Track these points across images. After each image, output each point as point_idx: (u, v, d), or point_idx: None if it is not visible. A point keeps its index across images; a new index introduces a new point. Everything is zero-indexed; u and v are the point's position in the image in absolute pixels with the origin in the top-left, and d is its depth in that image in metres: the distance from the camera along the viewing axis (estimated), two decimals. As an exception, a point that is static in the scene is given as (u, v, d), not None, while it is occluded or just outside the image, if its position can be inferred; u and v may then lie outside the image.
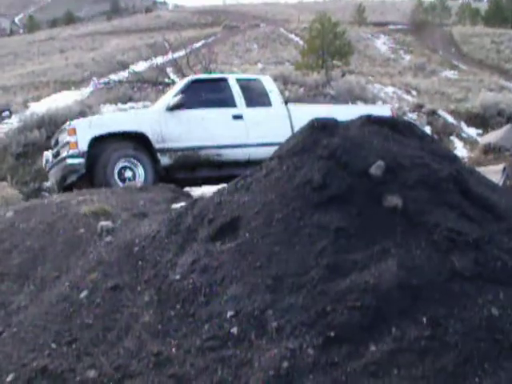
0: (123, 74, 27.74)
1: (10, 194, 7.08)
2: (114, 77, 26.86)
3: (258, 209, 3.92)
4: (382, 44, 44.43)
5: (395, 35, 47.82)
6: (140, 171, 7.59)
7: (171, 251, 4.01)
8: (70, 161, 7.41)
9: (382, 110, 9.83)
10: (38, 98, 24.31)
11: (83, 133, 7.51)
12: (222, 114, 8.38)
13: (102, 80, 25.40)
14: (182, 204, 5.28)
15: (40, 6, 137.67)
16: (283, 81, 18.50)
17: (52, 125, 15.35)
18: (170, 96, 8.54)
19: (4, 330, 3.75)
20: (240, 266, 3.55)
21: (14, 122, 18.45)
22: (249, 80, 9.25)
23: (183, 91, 8.37)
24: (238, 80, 8.89)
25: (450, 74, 34.31)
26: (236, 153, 8.20)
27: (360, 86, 19.01)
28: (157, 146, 7.83)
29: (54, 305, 3.76)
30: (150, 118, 8.07)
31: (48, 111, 16.23)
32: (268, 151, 8.63)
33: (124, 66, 29.56)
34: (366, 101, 18.78)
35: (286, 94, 16.57)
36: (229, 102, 8.51)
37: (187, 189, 9.43)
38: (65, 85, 27.87)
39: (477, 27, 51.74)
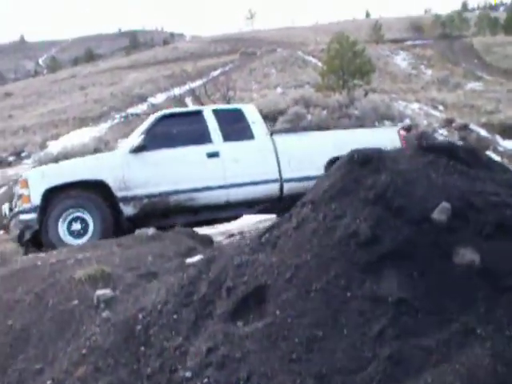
0: (141, 107, 27.40)
1: (8, 249, 6.28)
2: (131, 110, 26.49)
3: (289, 274, 3.02)
4: (402, 60, 43.57)
5: (414, 50, 46.92)
6: (91, 224, 6.63)
7: (181, 333, 3.13)
8: (22, 216, 6.65)
9: (387, 133, 8.51)
10: (56, 137, 23.99)
11: (36, 185, 6.69)
12: (195, 152, 7.26)
13: (119, 115, 24.99)
14: (199, 258, 4.43)
15: (61, 47, 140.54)
16: (305, 104, 17.72)
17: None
18: (137, 135, 7.51)
19: None
20: (270, 358, 2.65)
21: (29, 162, 18.02)
22: (228, 111, 8.08)
23: (150, 129, 7.34)
24: (216, 111, 7.72)
25: (475, 85, 33.24)
26: (212, 195, 7.14)
27: (385, 105, 18.11)
28: (119, 194, 6.84)
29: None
30: (112, 162, 7.09)
31: (63, 150, 15.70)
32: (251, 191, 7.37)
33: (142, 98, 29.26)
34: (392, 119, 17.88)
35: (309, 117, 15.75)
36: (203, 138, 7.38)
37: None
38: (83, 121, 27.58)
39: (498, 36, 50.63)
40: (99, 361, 3.11)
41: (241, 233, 9.05)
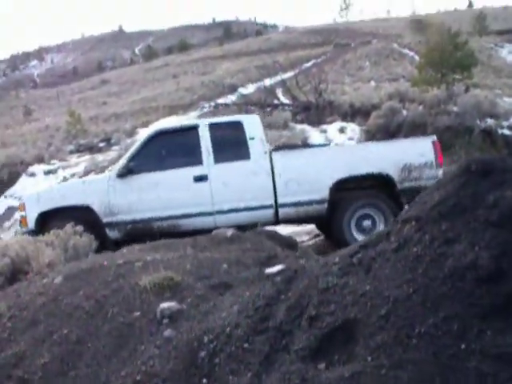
0: (231, 97, 27.26)
1: (82, 243, 6.06)
2: (221, 100, 26.40)
3: (385, 310, 2.45)
4: (508, 53, 40.78)
5: (522, 43, 43.83)
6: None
7: (251, 368, 2.64)
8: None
9: (417, 146, 7.11)
10: (146, 124, 24.29)
11: (31, 209, 7.03)
12: (182, 175, 6.84)
13: (209, 104, 24.93)
14: (279, 268, 3.93)
15: (157, 36, 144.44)
16: (400, 98, 16.71)
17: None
18: (125, 158, 7.23)
19: None
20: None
21: (117, 148, 18.26)
22: (226, 124, 7.27)
23: (140, 151, 7.03)
24: (212, 126, 7.06)
25: None
26: (198, 222, 6.75)
27: (489, 101, 16.72)
28: (104, 219, 6.83)
29: None
30: (99, 187, 6.96)
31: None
32: (241, 217, 6.74)
33: (233, 88, 29.15)
34: (497, 117, 16.49)
35: (404, 112, 14.81)
36: (193, 159, 6.89)
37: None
38: (173, 109, 27.81)
39: None
40: (155, 392, 2.69)
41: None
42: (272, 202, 6.83)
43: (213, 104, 23.91)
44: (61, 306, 3.81)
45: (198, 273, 4.08)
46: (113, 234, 6.81)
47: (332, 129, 16.11)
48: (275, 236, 5.95)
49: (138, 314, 3.48)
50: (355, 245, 3.22)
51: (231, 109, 21.53)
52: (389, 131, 14.25)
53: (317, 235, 8.49)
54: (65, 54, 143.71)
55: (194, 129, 7.05)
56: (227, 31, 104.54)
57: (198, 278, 3.96)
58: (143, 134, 17.22)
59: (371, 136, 14.78)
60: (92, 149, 20.23)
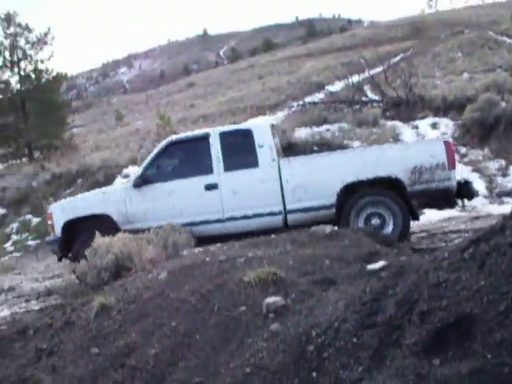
0: (318, 96, 27.13)
1: (181, 240, 6.25)
2: (309, 99, 26.34)
3: (505, 305, 2.36)
4: None
5: None
6: None
7: (361, 362, 2.63)
8: (48, 246, 7.85)
9: (427, 148, 6.93)
10: (234, 124, 24.64)
11: (58, 217, 7.52)
12: (193, 184, 7.14)
13: (296, 103, 24.93)
14: (382, 264, 3.88)
15: (241, 38, 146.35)
16: (497, 90, 15.93)
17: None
18: (141, 168, 7.55)
19: None
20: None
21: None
22: (236, 132, 7.45)
23: (153, 161, 7.41)
24: (222, 135, 7.25)
25: None
26: (209, 229, 7.04)
27: None
28: (123, 227, 7.18)
29: None
30: (117, 197, 7.43)
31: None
32: (251, 224, 6.95)
33: (320, 86, 29.01)
34: None
35: (503, 104, 14.12)
36: (204, 168, 7.16)
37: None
38: (260, 110, 28.04)
39: None
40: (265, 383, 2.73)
41: (422, 231, 8.28)
42: (281, 208, 6.97)
43: (300, 103, 23.87)
44: (167, 300, 3.96)
45: (301, 269, 4.10)
46: None
47: (424, 124, 15.65)
48: (373, 233, 5.89)
49: (244, 308, 3.55)
50: (464, 240, 3.12)
51: (319, 107, 21.43)
52: (486, 125, 13.63)
53: (412, 233, 8.30)
54: (152, 59, 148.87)
55: (205, 138, 7.26)
56: (311, 29, 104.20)
57: (300, 274, 3.99)
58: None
59: (466, 131, 14.22)
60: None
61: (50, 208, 7.81)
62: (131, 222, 7.23)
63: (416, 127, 15.65)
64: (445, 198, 6.92)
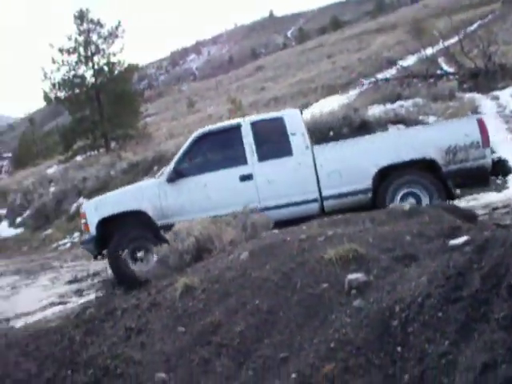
0: (390, 72, 26.51)
1: (260, 221, 6.32)
2: (381, 75, 25.78)
3: None
4: None
5: None
6: (153, 251, 6.81)
7: (448, 336, 2.59)
8: (83, 245, 7.67)
9: (460, 127, 6.88)
10: (306, 105, 24.51)
11: (91, 216, 7.37)
12: (228, 176, 7.12)
13: (367, 80, 24.47)
14: (464, 239, 3.78)
15: (307, 18, 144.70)
16: None
17: (317, 132, 14.89)
18: (173, 162, 7.48)
19: None
20: None
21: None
22: (268, 121, 7.41)
23: (185, 155, 7.35)
24: (254, 124, 7.24)
25: None
26: None
27: None
28: (158, 222, 7.15)
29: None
30: (151, 192, 7.32)
31: (312, 118, 15.79)
32: (287, 212, 6.87)
33: (391, 62, 28.33)
34: None
35: None
36: (238, 159, 7.14)
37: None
38: (332, 89, 27.73)
39: None
40: (349, 359, 2.74)
41: (506, 206, 7.99)
42: (316, 195, 6.94)
43: (372, 80, 23.41)
44: (250, 280, 4.03)
45: (381, 245, 4.07)
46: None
47: (505, 95, 14.98)
48: (454, 209, 5.73)
49: (326, 285, 3.57)
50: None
51: (391, 83, 20.94)
52: None
53: (495, 208, 8.01)
54: (220, 45, 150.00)
55: (236, 128, 7.24)
56: (379, 3, 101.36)
57: (381, 251, 3.95)
58: (304, 115, 17.36)
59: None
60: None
61: (83, 207, 7.75)
62: (167, 216, 7.20)
63: (496, 98, 15.01)
64: (480, 176, 6.86)
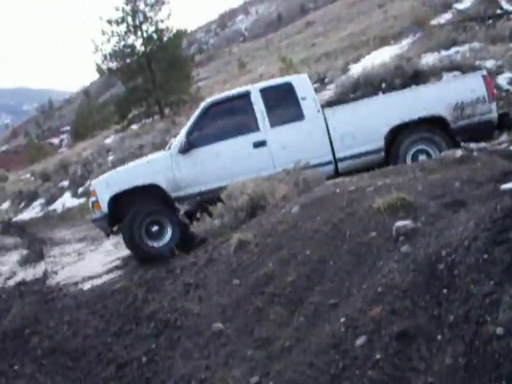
0: (445, 16, 25.49)
1: (311, 177, 6.38)
2: (435, 21, 24.84)
3: None
4: None
5: None
6: (168, 226, 7.08)
7: (493, 277, 2.61)
8: (96, 223, 7.46)
9: (466, 83, 7.05)
10: (357, 59, 24.01)
11: (102, 193, 7.20)
12: (241, 143, 7.13)
13: (421, 28, 23.62)
14: (518, 183, 3.74)
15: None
16: None
17: (368, 86, 14.65)
18: (183, 133, 7.36)
19: (260, 380, 2.96)
20: None
21: (332, 87, 18.41)
22: (277, 87, 7.42)
23: (195, 125, 7.26)
24: (263, 91, 7.26)
25: None
26: None
27: None
28: (173, 195, 7.11)
29: (322, 352, 2.79)
30: (163, 164, 7.21)
31: (363, 72, 15.50)
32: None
33: (446, 6, 27.20)
34: None
35: None
36: (250, 126, 7.16)
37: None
38: (384, 40, 26.94)
39: None
40: (396, 302, 2.81)
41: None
42: (330, 158, 7.06)
43: (425, 27, 22.58)
44: (301, 231, 4.14)
45: (430, 193, 4.07)
46: (183, 207, 7.11)
47: None
48: (508, 154, 5.62)
49: (374, 233, 3.63)
50: None
51: (446, 29, 20.15)
52: None
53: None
54: (268, 3, 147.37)
55: (245, 96, 7.24)
56: None
57: (430, 198, 3.96)
58: (355, 69, 16.91)
59: None
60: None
61: (93, 184, 7.55)
62: (181, 188, 7.17)
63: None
64: (487, 130, 7.02)
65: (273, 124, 7.17)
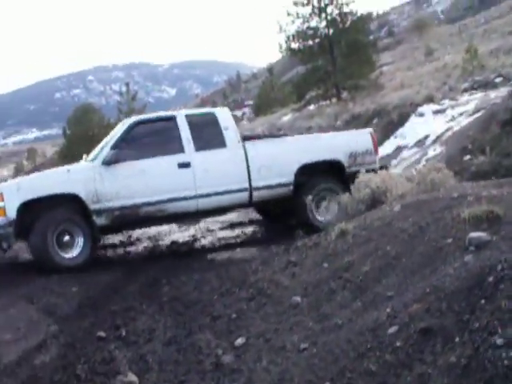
0: None
1: (438, 178, 6.54)
2: None
3: None
4: None
5: None
6: (79, 237, 6.78)
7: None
8: None
9: (358, 137, 8.49)
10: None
11: (11, 198, 6.57)
12: (166, 163, 7.24)
13: None
14: None
15: None
16: None
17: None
18: (108, 146, 7.10)
19: (308, 346, 3.48)
20: None
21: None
22: (201, 115, 7.93)
23: (122, 139, 7.12)
24: (189, 117, 7.57)
25: None
26: (182, 205, 7.26)
27: None
28: (92, 207, 6.84)
29: (360, 333, 3.23)
30: (85, 175, 6.96)
31: None
32: (220, 200, 7.39)
33: None
34: None
35: None
36: (176, 147, 7.32)
37: None
38: None
39: None
40: (435, 302, 3.13)
41: None
42: (247, 185, 7.53)
43: None
44: (391, 229, 4.52)
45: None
46: (100, 220, 6.92)
47: None
48: None
49: (450, 240, 3.89)
50: None
51: None
52: None
53: None
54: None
55: (172, 119, 7.52)
56: None
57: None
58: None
59: None
60: (486, 85, 19.67)
61: (0, 188, 6.84)
62: (101, 200, 6.92)
63: None
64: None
65: (197, 148, 7.45)
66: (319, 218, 7.67)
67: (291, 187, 7.77)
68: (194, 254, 7.59)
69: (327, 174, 8.06)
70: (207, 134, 7.57)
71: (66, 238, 6.75)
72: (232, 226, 9.39)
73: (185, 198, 7.24)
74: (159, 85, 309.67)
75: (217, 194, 7.39)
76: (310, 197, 7.51)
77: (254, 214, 9.57)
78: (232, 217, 9.57)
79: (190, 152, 7.37)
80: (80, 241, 6.79)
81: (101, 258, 7.64)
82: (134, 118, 7.71)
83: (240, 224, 9.45)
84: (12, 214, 6.54)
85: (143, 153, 7.22)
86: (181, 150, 7.36)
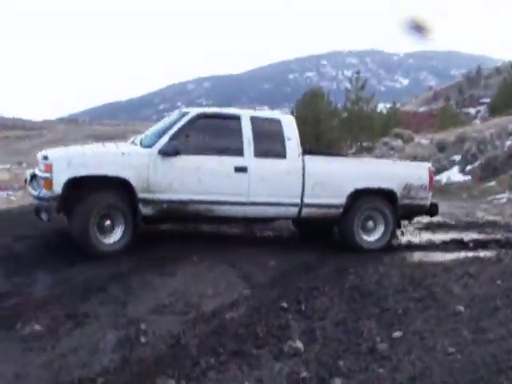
0: None
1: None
2: None
3: None
4: None
5: None
6: (120, 224, 6.56)
7: None
8: (41, 203, 6.53)
9: (416, 170, 8.10)
10: None
11: (60, 172, 6.33)
12: (223, 164, 6.95)
13: None
14: None
15: None
16: None
17: None
18: (167, 135, 6.51)
19: (455, 351, 3.75)
20: None
21: None
22: (267, 120, 7.45)
23: (183, 130, 6.60)
24: (253, 119, 7.22)
25: None
26: (231, 210, 7.06)
27: None
28: (140, 195, 6.58)
29: (507, 352, 3.39)
30: (139, 161, 6.62)
31: None
32: (269, 211, 7.27)
33: None
34: None
35: None
36: (235, 149, 7.02)
37: None
38: None
39: None
40: None
41: None
42: (299, 201, 7.26)
43: None
44: None
45: None
46: (145, 210, 6.65)
47: None
48: None
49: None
50: None
51: None
52: None
53: None
54: None
55: (236, 118, 7.19)
56: None
57: None
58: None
59: None
60: None
61: (50, 158, 6.51)
62: (151, 191, 6.64)
63: None
64: (420, 214, 8.20)
65: (257, 154, 7.06)
66: (365, 238, 7.57)
67: (341, 210, 7.46)
68: (395, 250, 7.72)
69: (379, 200, 7.72)
70: (269, 141, 7.33)
71: (108, 222, 6.57)
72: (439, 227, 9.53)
73: (236, 203, 7.04)
74: (392, 74, 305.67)
75: (267, 204, 7.19)
76: (357, 216, 7.48)
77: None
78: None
79: (249, 156, 7.07)
80: (121, 227, 6.62)
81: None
82: (197, 110, 7.30)
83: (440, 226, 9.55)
84: (58, 188, 6.35)
85: (201, 149, 6.94)
86: (240, 152, 7.06)
